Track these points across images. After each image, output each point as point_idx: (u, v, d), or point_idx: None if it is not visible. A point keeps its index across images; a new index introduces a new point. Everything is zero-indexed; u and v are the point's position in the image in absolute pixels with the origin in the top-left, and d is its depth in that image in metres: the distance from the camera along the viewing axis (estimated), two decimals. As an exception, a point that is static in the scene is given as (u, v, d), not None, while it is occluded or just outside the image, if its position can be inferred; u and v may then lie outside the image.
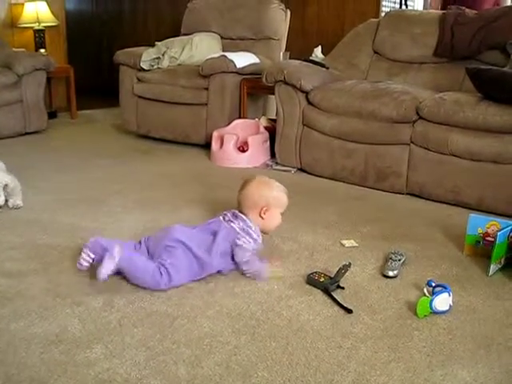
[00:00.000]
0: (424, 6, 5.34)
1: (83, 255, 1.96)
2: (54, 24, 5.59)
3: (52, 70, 4.85)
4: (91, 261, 1.95)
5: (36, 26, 5.41)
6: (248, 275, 2.08)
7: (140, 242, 2.11)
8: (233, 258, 2.09)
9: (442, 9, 4.43)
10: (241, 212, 2.21)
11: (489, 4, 4.28)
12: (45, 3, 5.49)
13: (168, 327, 1.72)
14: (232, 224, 2.14)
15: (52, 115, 5.42)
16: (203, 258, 2.01)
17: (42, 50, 5.42)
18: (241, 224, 2.14)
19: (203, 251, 2.02)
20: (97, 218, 2.68)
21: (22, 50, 5.16)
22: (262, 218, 2.20)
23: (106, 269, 1.86)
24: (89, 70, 7.51)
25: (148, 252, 2.06)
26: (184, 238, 2.02)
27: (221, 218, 2.20)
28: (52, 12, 5.55)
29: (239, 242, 2.09)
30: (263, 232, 2.23)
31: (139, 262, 1.95)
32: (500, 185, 2.83)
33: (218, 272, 2.08)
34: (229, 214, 2.20)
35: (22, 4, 5.42)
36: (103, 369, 1.50)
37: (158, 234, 2.11)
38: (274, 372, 1.51)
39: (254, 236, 2.14)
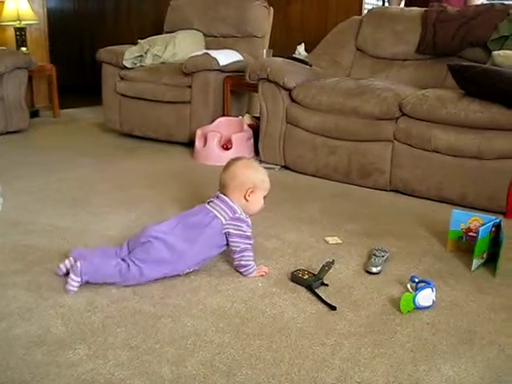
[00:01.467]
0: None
1: (66, 261, 2.00)
2: (35, 22, 5.55)
3: (34, 69, 4.81)
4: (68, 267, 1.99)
5: (17, 24, 5.37)
6: (237, 266, 2.06)
7: (122, 246, 2.07)
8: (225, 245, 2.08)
9: (407, 5, 4.45)
10: (224, 194, 2.13)
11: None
12: (25, 1, 5.44)
13: (151, 327, 1.71)
14: (219, 213, 2.06)
15: (34, 114, 5.38)
16: (181, 248, 1.98)
17: (24, 49, 5.37)
18: (228, 212, 2.07)
19: (182, 242, 1.99)
20: (79, 218, 2.66)
21: (3, 48, 5.10)
22: (247, 200, 2.12)
23: (72, 285, 1.91)
24: (71, 69, 7.46)
25: (129, 253, 2.04)
26: (159, 233, 1.99)
27: (207, 205, 2.12)
28: (33, 10, 5.50)
29: (233, 231, 2.04)
30: (245, 214, 2.13)
31: (104, 269, 1.94)
32: (482, 181, 2.86)
33: (200, 262, 2.06)
34: (215, 201, 2.12)
35: (3, 2, 5.37)
36: (86, 369, 1.49)
37: (137, 234, 2.09)
38: (258, 370, 1.51)
39: (244, 219, 2.08)
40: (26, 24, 5.44)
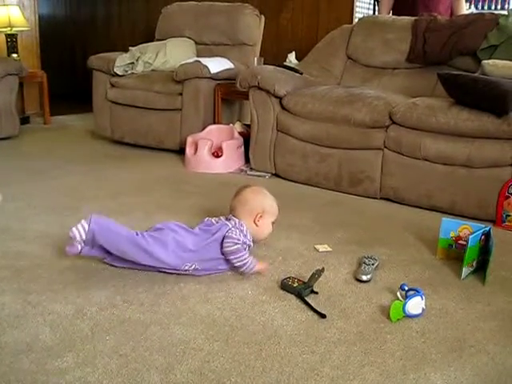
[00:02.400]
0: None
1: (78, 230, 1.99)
2: (26, 29, 5.54)
3: (24, 75, 4.80)
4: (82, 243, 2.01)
5: (8, 30, 5.35)
6: (236, 268, 2.10)
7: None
8: (222, 254, 2.10)
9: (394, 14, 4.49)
10: (234, 217, 2.23)
11: (444, 6, 4.36)
12: (17, 8, 5.43)
13: (141, 334, 1.70)
14: (230, 223, 2.16)
15: (25, 121, 5.37)
16: (189, 246, 2.06)
17: (15, 55, 5.36)
18: (232, 223, 2.16)
19: (192, 245, 2.07)
20: (69, 225, 2.61)
21: (-6, 54, 5.10)
22: (256, 224, 2.23)
23: (75, 234, 1.96)
24: (62, 76, 7.46)
25: None
26: (175, 226, 2.12)
27: (213, 220, 2.23)
28: (24, 16, 5.49)
29: (229, 233, 2.09)
30: (254, 240, 2.23)
31: (117, 227, 2.02)
32: (472, 189, 2.87)
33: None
34: (222, 218, 2.23)
35: (-6, 8, 5.36)
36: (75, 377, 1.48)
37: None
38: (247, 378, 1.50)
39: (245, 233, 2.14)
40: (17, 30, 5.43)
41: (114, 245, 2.00)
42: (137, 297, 1.92)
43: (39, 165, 3.82)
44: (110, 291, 1.96)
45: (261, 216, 2.24)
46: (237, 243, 2.07)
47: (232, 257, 2.07)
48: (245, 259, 2.08)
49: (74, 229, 1.98)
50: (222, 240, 2.09)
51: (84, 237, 1.97)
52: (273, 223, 2.31)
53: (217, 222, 2.22)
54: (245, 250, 2.10)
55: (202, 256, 2.07)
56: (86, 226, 1.96)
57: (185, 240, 2.07)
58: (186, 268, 2.06)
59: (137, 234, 2.04)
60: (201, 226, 2.19)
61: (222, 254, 2.09)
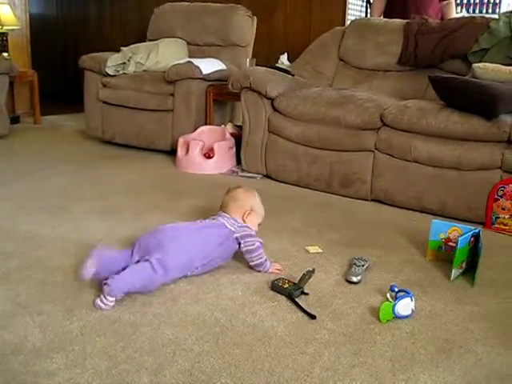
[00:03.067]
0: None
1: (89, 265, 1.93)
2: (16, 28, 5.51)
3: (15, 75, 4.78)
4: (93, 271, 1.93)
5: (-2, 29, 5.33)
6: (255, 265, 2.18)
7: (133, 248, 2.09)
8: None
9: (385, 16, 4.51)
10: (224, 213, 2.29)
11: (434, 10, 4.40)
12: (8, 6, 5.41)
13: (130, 335, 1.69)
14: (227, 223, 2.22)
15: (15, 120, 5.34)
16: (192, 247, 2.09)
17: (5, 54, 5.33)
18: (234, 222, 2.23)
19: (192, 242, 2.10)
20: (59, 225, 2.64)
21: (-16, 53, 5.07)
22: (244, 221, 2.28)
23: (107, 304, 1.86)
24: (53, 75, 7.43)
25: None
26: (173, 231, 2.12)
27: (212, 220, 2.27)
28: (15, 15, 5.47)
29: (244, 233, 2.19)
30: None
31: (135, 282, 1.92)
32: (461, 191, 2.89)
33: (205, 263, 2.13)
34: (218, 217, 2.27)
35: (-16, 7, 5.33)
36: (64, 379, 1.47)
37: (147, 235, 2.12)
38: (237, 379, 1.50)
39: (250, 226, 2.26)
40: (7, 29, 5.41)
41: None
42: (127, 298, 1.91)
43: (29, 165, 3.81)
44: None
45: (249, 213, 2.29)
46: (256, 242, 2.17)
47: (254, 254, 2.16)
48: (264, 256, 2.18)
49: (84, 272, 1.93)
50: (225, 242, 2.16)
51: (93, 273, 1.94)
52: (259, 225, 2.35)
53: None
54: (257, 240, 2.20)
55: (209, 260, 2.13)
56: (93, 270, 1.93)
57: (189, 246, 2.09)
58: (189, 274, 2.10)
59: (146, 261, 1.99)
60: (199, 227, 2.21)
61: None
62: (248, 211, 2.29)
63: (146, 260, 1.96)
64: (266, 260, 2.18)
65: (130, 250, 2.08)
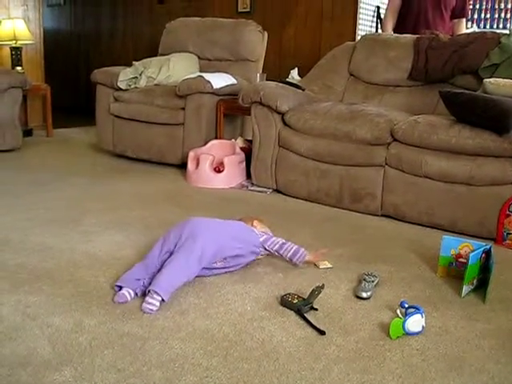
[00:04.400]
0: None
1: (124, 292, 1.99)
2: (31, 42, 5.58)
3: (28, 88, 4.83)
4: (133, 295, 2.00)
5: (13, 43, 5.40)
6: (290, 257, 2.32)
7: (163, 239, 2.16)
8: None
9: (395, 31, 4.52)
10: None
11: (444, 28, 4.41)
12: (22, 21, 5.49)
13: (139, 349, 1.69)
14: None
15: (27, 133, 5.39)
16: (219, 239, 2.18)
17: (19, 68, 5.40)
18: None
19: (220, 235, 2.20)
20: (69, 238, 2.64)
21: (-2, 67, 5.13)
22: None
23: (154, 305, 1.92)
24: (66, 89, 7.50)
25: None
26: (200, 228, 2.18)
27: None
28: (29, 30, 5.54)
29: (267, 236, 2.32)
30: None
31: (176, 279, 2.00)
32: (472, 207, 2.87)
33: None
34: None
35: (-1, 21, 5.41)
36: (72, 392, 1.47)
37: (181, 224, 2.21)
38: (245, 394, 1.49)
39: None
40: (21, 44, 5.48)
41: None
42: (136, 311, 1.91)
43: (41, 177, 3.83)
44: (109, 305, 1.95)
45: (257, 223, 2.43)
46: (278, 239, 2.31)
47: (284, 248, 2.31)
48: (294, 245, 2.32)
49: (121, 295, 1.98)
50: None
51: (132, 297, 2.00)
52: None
53: None
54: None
55: (234, 256, 2.23)
56: (132, 293, 1.99)
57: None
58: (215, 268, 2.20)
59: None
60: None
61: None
62: (256, 220, 2.44)
63: (177, 253, 2.04)
64: (299, 247, 2.32)
65: (144, 262, 2.12)
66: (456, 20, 4.49)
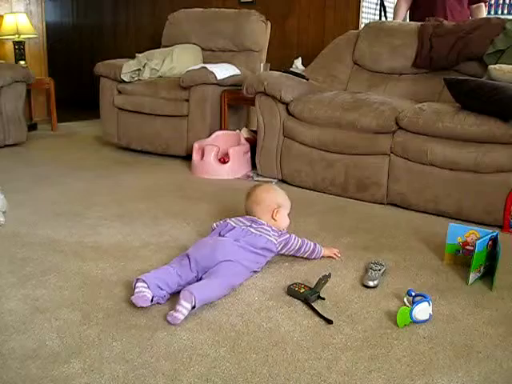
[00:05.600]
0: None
1: (144, 289, 1.88)
2: (33, 36, 5.57)
3: (32, 82, 4.83)
4: (151, 297, 1.89)
5: (16, 37, 5.39)
6: (308, 257, 2.32)
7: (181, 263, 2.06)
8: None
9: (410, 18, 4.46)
10: (253, 217, 2.31)
11: (463, 15, 4.34)
12: (24, 15, 5.48)
13: (147, 340, 1.70)
14: (269, 236, 2.22)
15: (32, 127, 5.40)
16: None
17: (22, 62, 5.40)
18: (273, 233, 2.24)
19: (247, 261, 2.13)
20: (76, 231, 2.65)
21: (2, 61, 5.13)
22: (275, 219, 2.33)
23: (182, 313, 1.81)
24: (69, 82, 7.50)
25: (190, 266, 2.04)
26: (229, 255, 2.07)
27: (250, 229, 2.22)
28: (32, 24, 5.53)
29: (284, 245, 2.25)
30: None
31: (213, 291, 1.93)
32: (478, 194, 2.86)
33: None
34: (244, 221, 2.27)
35: (2, 16, 5.40)
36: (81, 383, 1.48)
37: (201, 251, 2.09)
38: (254, 384, 1.50)
39: (285, 233, 2.30)
40: (24, 38, 5.47)
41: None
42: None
43: (46, 171, 3.84)
44: (117, 297, 1.96)
45: (277, 211, 2.34)
46: (295, 242, 2.27)
47: (301, 250, 2.29)
48: (310, 244, 2.31)
49: (140, 301, 1.86)
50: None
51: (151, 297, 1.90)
52: (288, 214, 2.42)
53: (235, 223, 2.25)
54: (293, 236, 2.28)
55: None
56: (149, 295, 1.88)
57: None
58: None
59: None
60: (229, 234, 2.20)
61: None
62: (276, 209, 2.34)
63: (218, 273, 1.97)
64: (315, 245, 2.32)
65: (173, 266, 2.04)
66: (475, 5, 4.38)
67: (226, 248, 2.08)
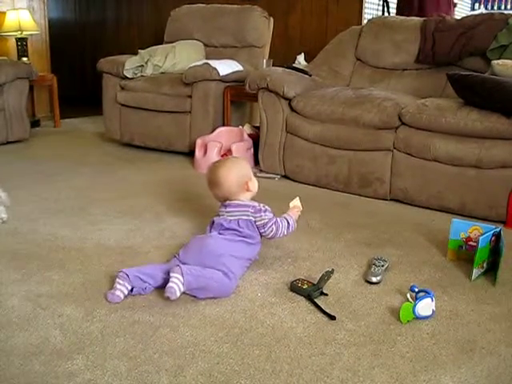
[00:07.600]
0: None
1: (118, 286, 1.91)
2: (36, 32, 5.57)
3: (34, 79, 4.82)
4: (127, 292, 1.92)
5: (18, 34, 5.38)
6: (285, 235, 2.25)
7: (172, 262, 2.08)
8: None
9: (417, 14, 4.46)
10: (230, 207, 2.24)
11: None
12: (27, 11, 5.47)
13: (150, 336, 1.70)
14: (244, 215, 2.18)
15: (35, 124, 5.39)
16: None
17: (25, 59, 5.38)
18: (247, 209, 2.19)
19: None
20: (78, 227, 2.66)
21: (4, 58, 5.11)
22: (249, 190, 2.27)
23: (177, 285, 1.84)
24: (72, 79, 7.49)
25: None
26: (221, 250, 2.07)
27: (227, 218, 2.20)
28: (34, 20, 5.53)
29: (260, 223, 2.18)
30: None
31: (205, 273, 1.95)
32: (481, 190, 2.85)
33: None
34: (228, 209, 2.22)
35: (4, 12, 5.39)
36: (84, 380, 1.48)
37: (188, 247, 2.11)
38: (256, 380, 1.50)
39: (263, 208, 2.21)
40: (27, 34, 5.46)
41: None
42: (146, 299, 1.93)
43: (49, 167, 3.84)
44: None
45: (248, 181, 2.27)
46: (271, 224, 2.17)
47: (279, 232, 2.19)
48: (283, 227, 2.20)
49: (111, 297, 1.91)
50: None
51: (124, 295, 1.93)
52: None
53: (215, 217, 2.24)
54: (273, 218, 2.20)
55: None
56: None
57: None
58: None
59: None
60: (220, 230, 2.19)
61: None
62: (245, 182, 2.27)
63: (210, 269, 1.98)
64: (287, 227, 2.21)
65: (160, 264, 2.07)
66: None
67: (210, 246, 2.07)
